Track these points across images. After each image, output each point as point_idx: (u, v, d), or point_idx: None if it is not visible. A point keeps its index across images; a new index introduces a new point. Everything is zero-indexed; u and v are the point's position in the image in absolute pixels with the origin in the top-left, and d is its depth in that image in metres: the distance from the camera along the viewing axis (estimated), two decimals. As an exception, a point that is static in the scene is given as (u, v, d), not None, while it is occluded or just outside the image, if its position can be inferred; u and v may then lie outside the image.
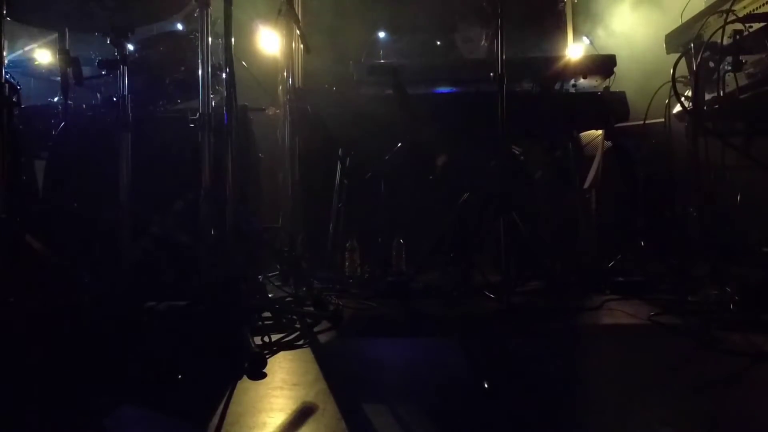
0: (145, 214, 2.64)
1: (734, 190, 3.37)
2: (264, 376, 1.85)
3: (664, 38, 3.69)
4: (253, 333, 2.12)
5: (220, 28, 2.52)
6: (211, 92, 2.57)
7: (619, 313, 2.74)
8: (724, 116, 3.11)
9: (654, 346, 2.25)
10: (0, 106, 2.11)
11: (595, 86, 3.75)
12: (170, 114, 3.34)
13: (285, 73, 3.74)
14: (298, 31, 3.62)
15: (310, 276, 3.33)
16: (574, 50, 4.65)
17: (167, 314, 2.45)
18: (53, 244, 2.25)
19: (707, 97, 3.20)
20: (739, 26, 2.90)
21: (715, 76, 3.07)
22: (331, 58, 4.18)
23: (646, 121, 3.56)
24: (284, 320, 2.49)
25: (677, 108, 3.49)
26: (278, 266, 3.46)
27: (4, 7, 2.15)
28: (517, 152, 3.80)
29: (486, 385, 1.71)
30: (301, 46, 3.90)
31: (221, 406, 1.58)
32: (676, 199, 3.69)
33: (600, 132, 3.90)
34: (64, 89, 3.00)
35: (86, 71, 2.86)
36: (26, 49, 3.86)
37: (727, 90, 3.05)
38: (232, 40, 2.46)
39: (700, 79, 3.05)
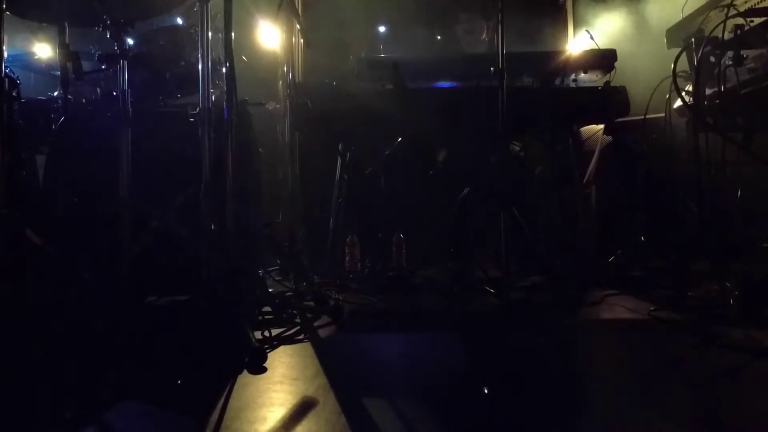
0: (145, 209, 2.64)
1: (734, 186, 3.37)
2: (264, 370, 1.85)
3: (664, 33, 3.68)
4: (254, 328, 2.12)
5: (220, 22, 2.51)
6: (211, 87, 2.56)
7: (619, 308, 2.74)
8: (724, 111, 3.10)
9: (654, 342, 2.26)
10: (0, 101, 2.11)
11: (595, 81, 3.74)
12: (170, 108, 3.33)
13: (285, 68, 3.73)
14: (298, 26, 3.62)
15: (310, 271, 3.33)
16: (575, 45, 4.64)
17: (168, 309, 2.45)
18: (53, 239, 2.26)
19: (708, 92, 3.19)
20: (740, 21, 2.90)
21: (716, 71, 3.06)
22: (331, 52, 4.17)
23: (647, 116, 3.55)
24: (284, 315, 2.50)
25: (678, 103, 3.48)
26: (278, 261, 3.46)
27: (4, 2, 2.14)
28: (517, 147, 3.80)
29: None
30: (301, 40, 3.89)
31: (221, 401, 1.58)
32: (676, 194, 3.69)
33: (600, 127, 3.89)
34: (64, 84, 3.00)
35: (86, 66, 2.86)
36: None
37: (728, 85, 3.04)
38: (232, 34, 2.46)
39: (700, 74, 3.04)
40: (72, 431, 1.46)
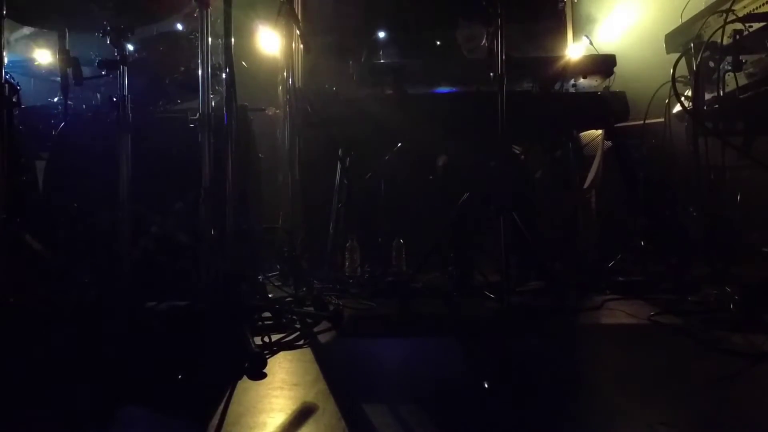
0: (145, 214, 2.64)
1: (734, 190, 3.37)
2: (264, 376, 1.85)
3: (663, 38, 3.69)
4: (253, 333, 2.12)
5: (220, 28, 2.51)
6: (210, 92, 2.56)
7: (619, 312, 2.74)
8: (724, 116, 3.11)
9: (654, 346, 2.26)
10: (0, 107, 2.11)
11: (595, 86, 3.74)
12: (170, 114, 3.34)
13: (285, 73, 3.74)
14: (297, 31, 3.62)
15: (310, 276, 3.33)
16: (574, 50, 4.65)
17: (167, 314, 2.45)
18: (53, 244, 2.26)
19: (707, 96, 3.20)
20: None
21: (715, 75, 3.07)
22: (331, 57, 4.18)
23: (646, 121, 3.57)
24: (284, 320, 2.49)
25: (677, 108, 3.49)
26: (278, 266, 3.46)
27: (4, 7, 2.15)
28: (517, 152, 3.80)
29: (486, 385, 1.71)
30: (301, 46, 3.89)
31: (221, 407, 1.58)
32: (676, 199, 3.69)
33: (600, 132, 3.90)
34: (64, 89, 3.01)
35: (86, 71, 2.86)
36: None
37: (727, 90, 3.05)
38: (232, 40, 2.46)
39: (700, 79, 3.05)
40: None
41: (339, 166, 3.85)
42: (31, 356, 1.83)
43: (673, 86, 2.96)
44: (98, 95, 3.45)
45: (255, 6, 4.20)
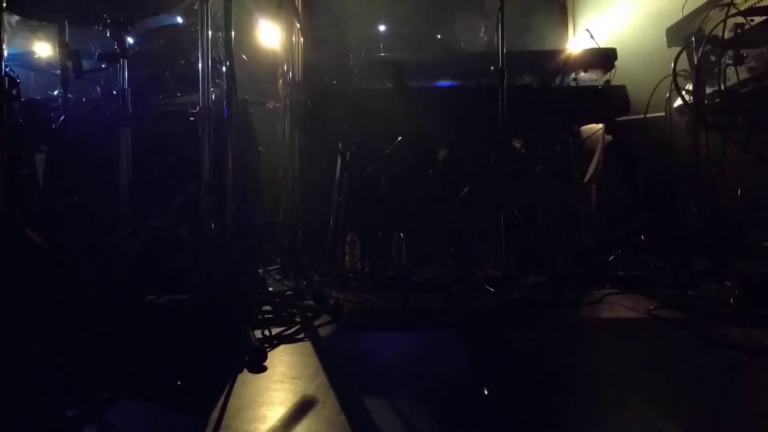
0: (145, 207, 2.64)
1: (735, 185, 3.37)
2: (264, 369, 1.85)
3: (665, 32, 3.68)
4: (254, 327, 2.13)
5: (220, 21, 2.51)
6: (211, 86, 2.56)
7: (619, 307, 2.74)
8: (725, 110, 3.10)
9: (654, 341, 2.26)
10: (0, 100, 2.11)
11: (595, 80, 3.74)
12: (170, 107, 3.33)
13: (285, 67, 3.73)
14: (298, 25, 3.61)
15: (311, 270, 3.33)
16: (575, 44, 4.64)
17: (168, 308, 2.45)
18: (54, 238, 2.25)
19: (708, 90, 3.20)
20: (740, 20, 2.90)
21: (716, 69, 3.06)
22: (331, 51, 4.17)
23: (647, 115, 3.56)
24: (284, 314, 2.50)
25: (678, 102, 3.48)
26: (278, 260, 3.46)
27: (4, 1, 2.14)
28: (517, 146, 3.79)
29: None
30: (302, 39, 3.89)
31: (222, 400, 1.58)
32: (676, 194, 3.69)
33: (600, 126, 3.89)
34: (64, 82, 2.99)
35: (86, 64, 2.85)
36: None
37: (728, 84, 3.05)
38: (232, 33, 2.46)
39: (701, 73, 3.05)
40: (73, 430, 1.47)
41: (339, 159, 3.85)
42: (31, 350, 1.83)
43: (674, 80, 2.96)
44: (98, 88, 3.43)
45: (255, -1, 4.19)
